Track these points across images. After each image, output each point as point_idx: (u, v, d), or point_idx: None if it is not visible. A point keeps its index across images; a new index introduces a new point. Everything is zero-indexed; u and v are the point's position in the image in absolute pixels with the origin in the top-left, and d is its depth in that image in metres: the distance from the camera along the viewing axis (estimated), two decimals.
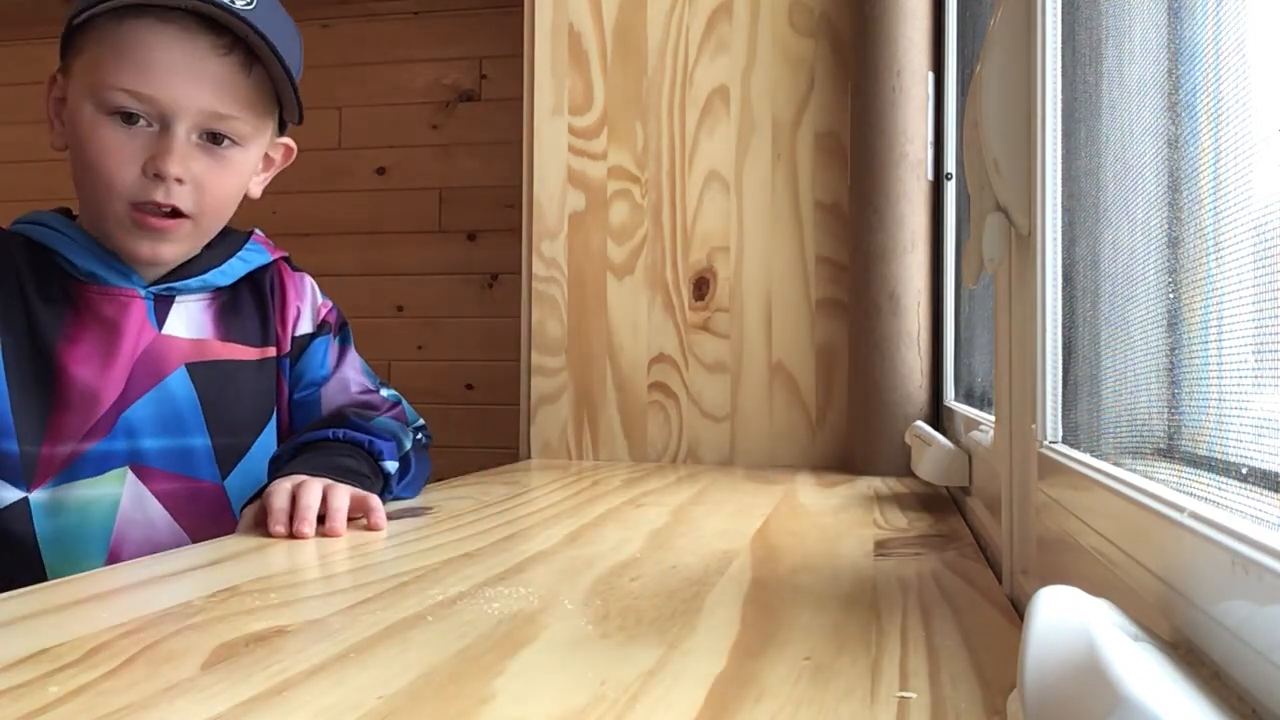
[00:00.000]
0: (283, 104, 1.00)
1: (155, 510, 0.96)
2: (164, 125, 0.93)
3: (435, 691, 0.45)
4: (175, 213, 0.94)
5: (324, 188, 2.60)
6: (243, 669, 0.48)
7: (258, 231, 1.11)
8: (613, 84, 1.62)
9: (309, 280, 1.12)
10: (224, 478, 1.00)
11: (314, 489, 0.85)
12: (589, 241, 1.62)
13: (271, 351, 1.06)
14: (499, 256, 2.50)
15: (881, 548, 0.85)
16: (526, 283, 1.65)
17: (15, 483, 0.92)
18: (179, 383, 0.98)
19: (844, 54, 1.55)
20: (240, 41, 0.93)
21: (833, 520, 1.01)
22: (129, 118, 0.92)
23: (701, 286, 1.59)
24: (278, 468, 0.95)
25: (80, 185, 0.96)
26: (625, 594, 0.65)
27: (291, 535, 0.82)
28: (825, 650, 0.53)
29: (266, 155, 1.05)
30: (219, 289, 1.04)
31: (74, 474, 0.94)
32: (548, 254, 1.64)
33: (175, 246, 0.97)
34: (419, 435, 1.12)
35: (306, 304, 1.10)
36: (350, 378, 1.10)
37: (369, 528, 0.87)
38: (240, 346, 1.04)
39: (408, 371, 2.45)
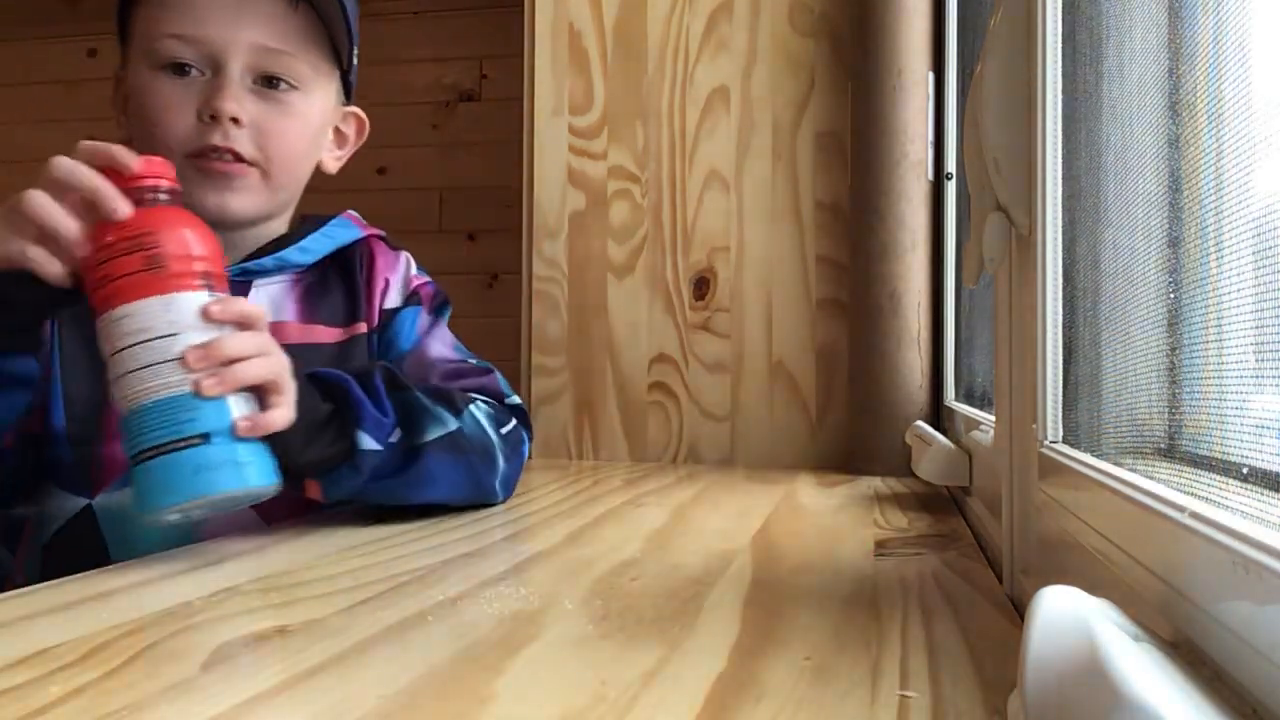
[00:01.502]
0: (337, 49, 0.96)
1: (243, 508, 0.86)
2: (215, 69, 0.90)
3: (435, 691, 0.45)
4: (237, 159, 0.91)
5: (324, 188, 2.60)
6: (243, 669, 0.48)
7: (350, 212, 1.08)
8: (613, 84, 1.62)
9: (405, 256, 1.08)
10: None
11: (248, 344, 0.73)
12: (589, 241, 1.62)
13: (361, 328, 1.01)
14: (499, 256, 2.50)
15: (882, 548, 0.85)
16: (526, 283, 1.65)
17: (77, 490, 0.87)
18: None
19: (844, 54, 1.55)
20: None
21: (833, 520, 1.01)
22: (181, 70, 0.90)
23: (701, 286, 1.59)
24: None
25: (143, 150, 0.92)
26: (625, 594, 0.65)
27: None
28: (825, 650, 0.53)
29: (338, 130, 1.03)
30: (302, 269, 1.00)
31: None
32: (548, 254, 1.64)
33: (244, 197, 0.92)
34: (508, 426, 0.99)
35: (397, 276, 1.05)
36: (434, 349, 1.04)
37: (258, 423, 0.72)
38: (324, 328, 0.99)
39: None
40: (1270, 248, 0.39)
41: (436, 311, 1.07)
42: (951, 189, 1.46)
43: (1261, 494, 0.37)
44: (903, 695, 0.46)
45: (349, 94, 1.03)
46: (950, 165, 1.46)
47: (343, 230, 1.04)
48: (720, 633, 0.56)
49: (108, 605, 0.60)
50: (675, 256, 1.60)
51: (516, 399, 1.05)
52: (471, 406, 0.95)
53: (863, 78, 1.47)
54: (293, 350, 0.86)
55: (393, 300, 1.04)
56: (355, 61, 1.01)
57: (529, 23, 1.66)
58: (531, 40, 1.65)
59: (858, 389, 1.48)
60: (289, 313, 0.97)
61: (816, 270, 1.56)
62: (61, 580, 0.67)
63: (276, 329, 0.90)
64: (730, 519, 0.99)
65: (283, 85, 0.93)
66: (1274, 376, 0.38)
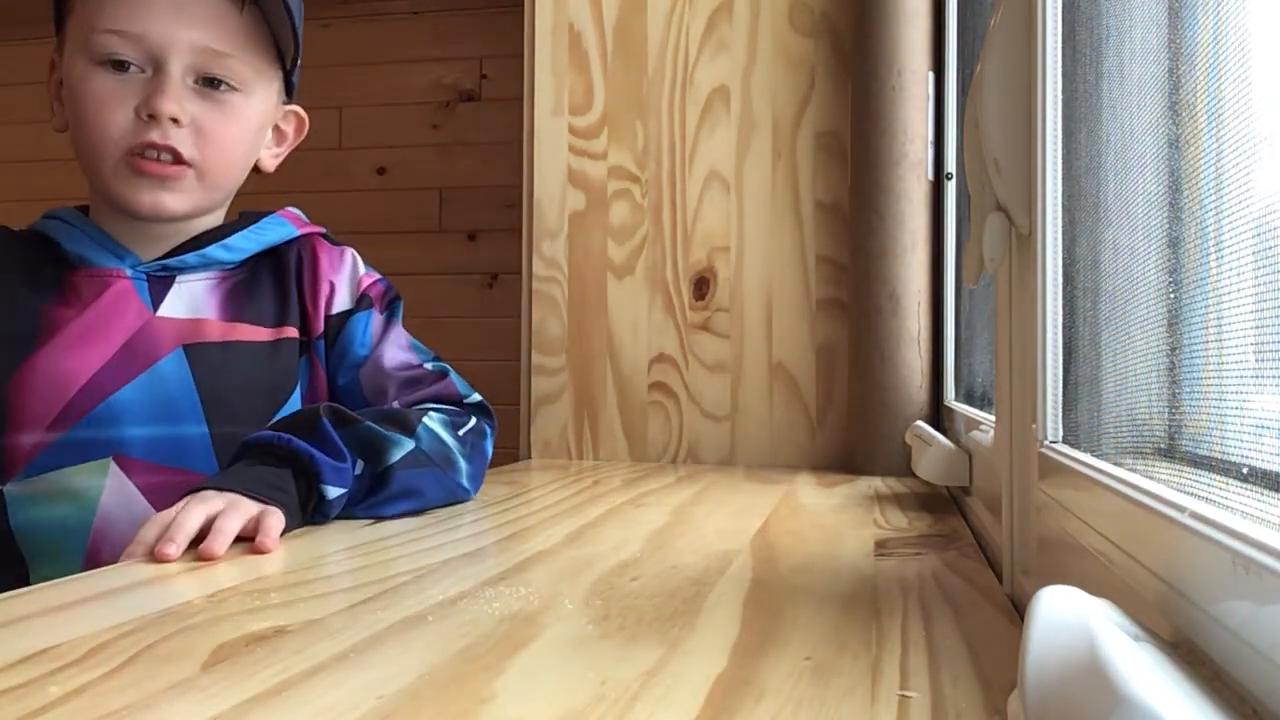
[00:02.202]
0: (281, 49, 0.96)
1: (140, 506, 0.88)
2: (156, 67, 0.90)
3: (435, 691, 0.45)
4: (176, 159, 0.90)
5: (324, 188, 2.60)
6: (243, 669, 0.48)
7: (290, 209, 1.05)
8: (613, 84, 1.62)
9: (350, 254, 1.04)
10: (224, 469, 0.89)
11: (194, 516, 0.74)
12: (589, 241, 1.62)
13: (291, 332, 0.98)
14: (499, 256, 2.50)
15: (882, 548, 0.85)
16: (526, 283, 1.65)
17: None
18: (173, 367, 0.92)
19: (844, 54, 1.55)
20: None
21: (833, 520, 1.01)
22: (120, 66, 0.89)
23: (702, 286, 1.59)
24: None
25: (78, 147, 0.92)
26: (625, 594, 0.65)
27: (155, 559, 0.71)
28: (826, 650, 0.53)
29: (278, 128, 1.02)
30: (230, 267, 0.98)
31: (46, 464, 0.88)
32: (548, 254, 1.64)
33: (179, 197, 0.92)
34: (466, 426, 0.99)
35: (343, 278, 1.02)
36: (389, 355, 1.01)
37: (254, 549, 0.75)
38: (251, 327, 0.96)
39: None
40: (1270, 248, 0.39)
41: (389, 309, 1.04)
42: (951, 189, 1.46)
43: (1261, 494, 0.37)
44: (903, 695, 0.46)
45: (290, 93, 1.02)
46: (950, 165, 1.46)
47: (275, 229, 1.01)
48: (720, 633, 0.56)
49: (108, 605, 0.60)
50: (675, 256, 1.60)
51: (475, 396, 1.04)
52: (425, 420, 0.95)
53: (863, 78, 1.47)
54: (223, 347, 0.91)
55: (341, 304, 1.01)
56: (299, 61, 1.00)
57: (529, 23, 1.66)
58: (531, 40, 1.65)
59: (858, 389, 1.48)
60: (211, 310, 0.96)
61: (816, 270, 1.56)
62: (61, 580, 0.67)
63: (196, 326, 0.94)
64: (730, 519, 0.99)
65: (224, 87, 0.92)
66: (1274, 376, 0.38)
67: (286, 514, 0.80)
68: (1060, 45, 0.64)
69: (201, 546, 0.72)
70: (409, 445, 0.91)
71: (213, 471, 0.90)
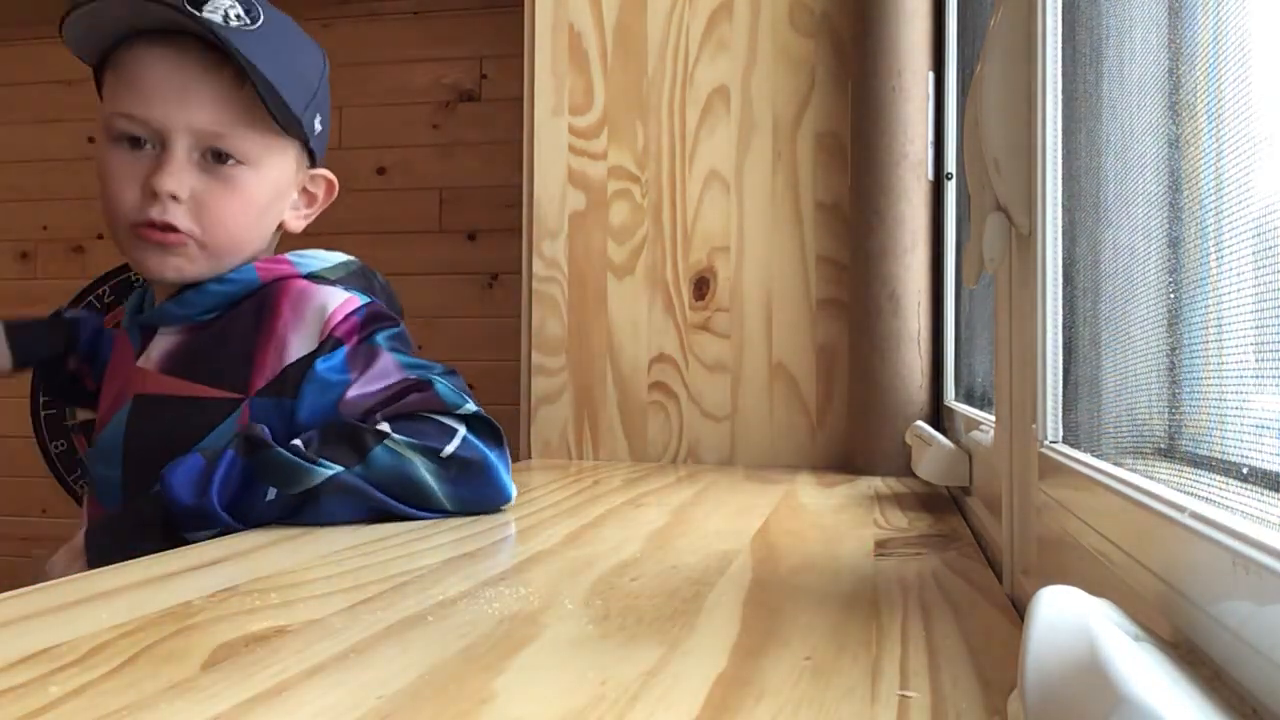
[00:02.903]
0: (281, 123, 0.97)
1: (87, 534, 0.92)
2: (164, 144, 0.96)
3: (435, 691, 0.45)
4: (174, 230, 0.96)
5: None
6: (243, 669, 0.48)
7: (290, 255, 1.04)
8: (613, 84, 1.62)
9: (318, 297, 0.98)
10: None
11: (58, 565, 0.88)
12: (589, 241, 1.62)
13: (220, 393, 0.97)
14: (499, 256, 2.50)
15: (882, 548, 0.85)
16: (526, 283, 1.65)
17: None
18: (123, 414, 1.01)
19: (844, 54, 1.55)
20: (231, 59, 0.93)
21: (833, 520, 1.01)
22: (135, 142, 0.96)
23: (701, 286, 1.59)
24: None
25: (103, 214, 1.00)
26: (625, 594, 0.65)
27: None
28: (826, 650, 0.53)
29: (306, 190, 1.06)
30: (197, 322, 1.00)
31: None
32: (548, 254, 1.64)
33: (182, 263, 0.98)
34: (449, 445, 0.91)
35: (301, 325, 0.97)
36: (364, 388, 0.94)
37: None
38: (178, 381, 0.98)
39: None
40: (1270, 248, 0.39)
41: (367, 337, 0.98)
42: (951, 189, 1.46)
43: (1261, 494, 0.37)
44: (903, 695, 0.46)
45: (313, 157, 1.06)
46: (950, 165, 1.46)
47: (236, 280, 1.00)
48: (720, 633, 0.56)
49: (108, 605, 0.60)
50: (675, 256, 1.60)
51: (470, 407, 0.94)
52: (386, 442, 0.89)
53: (863, 78, 1.47)
54: (156, 399, 1.00)
55: (297, 351, 0.96)
56: (320, 127, 1.04)
57: (529, 23, 1.66)
58: (531, 40, 1.65)
59: (858, 389, 1.48)
60: (157, 363, 1.01)
61: (816, 270, 1.56)
62: (61, 580, 0.67)
63: (145, 376, 1.01)
64: (730, 519, 0.99)
65: (231, 161, 0.97)
66: (1274, 376, 0.38)
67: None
68: (1060, 45, 0.64)
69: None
70: (333, 470, 0.87)
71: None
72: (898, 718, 0.43)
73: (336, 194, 1.10)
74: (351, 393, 0.94)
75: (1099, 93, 0.61)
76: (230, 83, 0.96)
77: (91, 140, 1.03)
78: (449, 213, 2.58)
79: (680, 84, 1.60)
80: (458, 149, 2.58)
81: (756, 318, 1.58)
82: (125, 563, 0.73)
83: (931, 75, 1.46)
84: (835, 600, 0.64)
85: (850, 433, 1.50)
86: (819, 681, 0.47)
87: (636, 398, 1.60)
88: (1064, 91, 0.63)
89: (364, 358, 0.96)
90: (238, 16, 0.95)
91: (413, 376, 0.96)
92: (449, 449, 0.91)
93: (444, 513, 0.92)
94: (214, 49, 0.95)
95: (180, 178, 0.95)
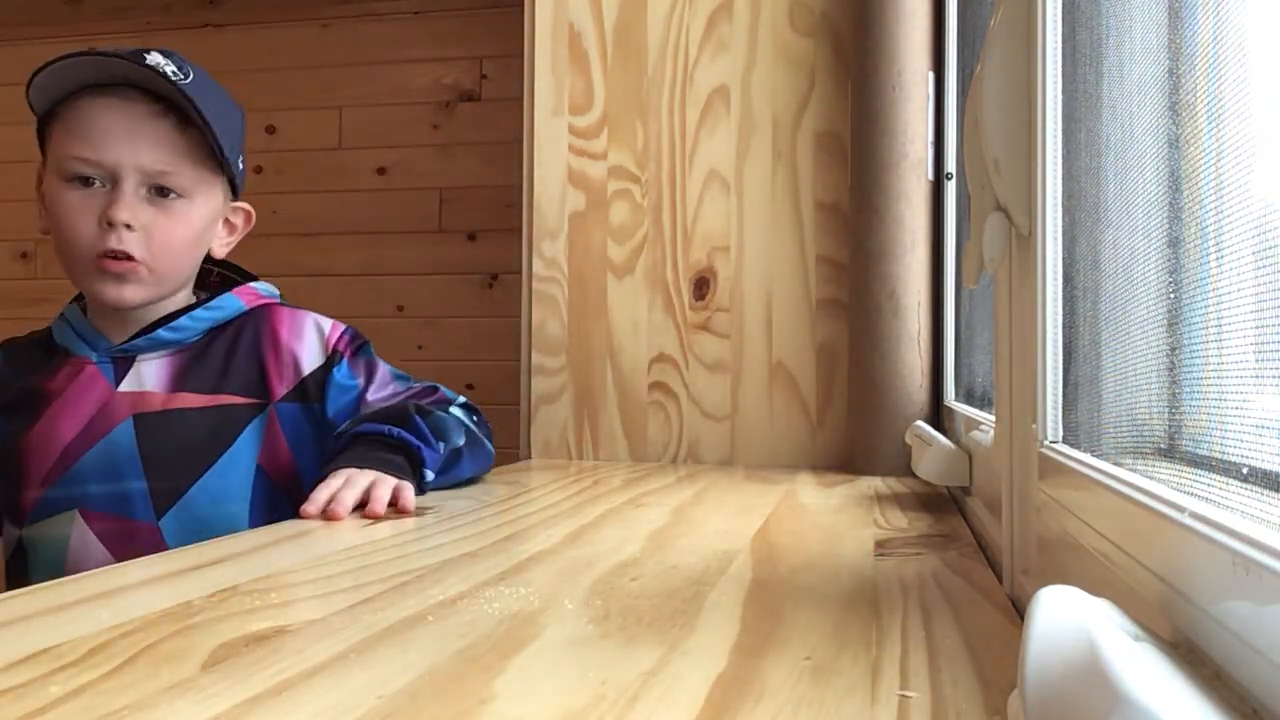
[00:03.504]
0: (220, 159, 1.11)
1: (96, 547, 1.07)
2: (114, 183, 1.07)
3: (435, 691, 0.45)
4: (130, 257, 1.06)
5: (324, 188, 2.60)
6: (243, 669, 0.48)
7: (252, 285, 1.19)
8: (613, 84, 1.62)
9: (310, 318, 1.19)
10: (159, 518, 1.08)
11: (358, 485, 0.97)
12: (589, 241, 1.62)
13: (229, 399, 1.12)
14: (499, 256, 2.50)
15: (882, 548, 0.85)
16: (526, 283, 1.65)
17: (15, 523, 1.11)
18: (123, 433, 1.09)
19: (844, 54, 1.55)
20: (174, 107, 1.07)
21: (833, 520, 1.01)
22: (86, 182, 1.07)
23: (702, 286, 1.59)
24: (337, 446, 1.06)
25: (58, 250, 1.10)
26: (625, 594, 0.65)
27: (325, 517, 0.93)
28: (826, 650, 0.53)
29: (228, 221, 1.18)
30: (185, 345, 1.13)
31: (39, 514, 1.10)
32: (548, 254, 1.64)
33: (135, 289, 1.08)
34: (474, 416, 1.19)
35: (305, 343, 1.16)
36: (378, 395, 1.16)
37: (399, 511, 0.96)
38: (190, 395, 1.11)
39: (408, 371, 2.45)
40: (1270, 248, 0.39)
41: (358, 351, 1.19)
42: (951, 189, 1.46)
43: (1261, 494, 0.37)
44: (903, 695, 0.46)
45: (235, 191, 1.18)
46: (950, 165, 1.46)
47: (223, 307, 1.16)
48: (720, 633, 0.56)
49: (108, 605, 0.61)
50: (675, 256, 1.60)
51: (462, 398, 1.21)
52: (451, 409, 1.15)
53: (863, 78, 1.47)
54: (165, 415, 1.10)
55: (311, 363, 1.16)
56: (242, 166, 1.18)
57: (529, 23, 1.66)
58: (531, 40, 1.65)
59: (858, 389, 1.48)
60: (158, 383, 1.11)
61: (816, 270, 1.56)
62: (61, 580, 0.67)
63: (144, 397, 1.11)
64: (730, 519, 0.99)
65: (171, 194, 1.09)
66: (1274, 376, 0.38)
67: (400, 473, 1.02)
68: (1060, 45, 0.64)
69: (368, 509, 0.95)
70: (464, 430, 1.14)
71: (150, 518, 1.08)
72: (898, 718, 0.43)
73: (253, 223, 1.21)
74: (372, 396, 1.15)
75: (1099, 93, 0.61)
76: (173, 127, 1.08)
77: None
78: (449, 213, 2.58)
79: (680, 84, 1.60)
80: (458, 149, 2.58)
81: (756, 318, 1.58)
82: (125, 563, 0.73)
83: (931, 75, 1.46)
84: (835, 600, 0.64)
85: (850, 433, 1.50)
86: (819, 681, 0.47)
87: (636, 398, 1.60)
88: (1064, 91, 0.63)
89: (364, 366, 1.18)
90: (174, 73, 1.07)
91: (416, 385, 1.20)
92: (475, 418, 1.19)
93: (490, 463, 1.23)
94: (156, 99, 1.07)
95: (133, 209, 1.06)
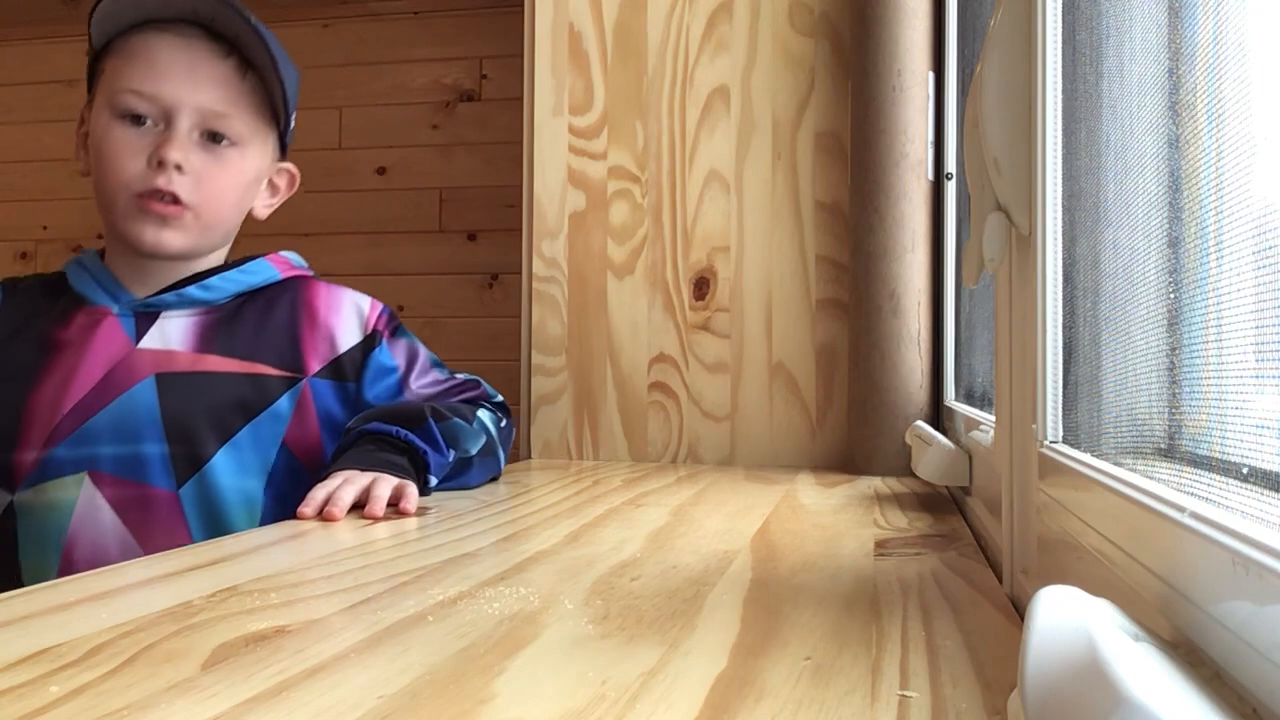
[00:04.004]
0: (276, 113, 1.09)
1: (107, 515, 1.00)
2: (168, 123, 1.03)
3: (435, 691, 0.45)
4: (176, 201, 1.03)
5: (324, 188, 2.60)
6: (243, 669, 0.48)
7: (283, 254, 1.16)
8: (613, 84, 1.62)
9: (347, 294, 1.15)
10: (179, 486, 1.01)
11: (357, 485, 0.94)
12: (589, 241, 1.62)
13: (263, 368, 1.07)
14: (499, 256, 2.50)
15: (882, 548, 0.85)
16: (526, 283, 1.65)
17: (3, 487, 1.01)
18: (144, 392, 1.03)
19: (844, 54, 1.55)
20: (236, 49, 1.05)
21: (833, 520, 1.01)
22: (138, 120, 1.03)
23: (701, 286, 1.59)
24: (343, 444, 1.04)
25: (98, 188, 1.06)
26: (625, 594, 0.65)
27: (322, 518, 0.90)
28: (825, 650, 0.53)
29: (271, 182, 1.15)
30: (213, 305, 1.09)
31: (39, 477, 1.00)
32: (548, 254, 1.64)
33: (178, 235, 1.04)
34: (503, 422, 1.18)
35: (343, 319, 1.13)
36: (421, 382, 1.14)
37: (399, 512, 0.94)
38: (220, 359, 1.06)
39: None
40: (1270, 248, 0.39)
41: (397, 333, 1.16)
42: (951, 189, 1.46)
43: (1261, 494, 0.37)
44: (903, 695, 0.46)
45: (284, 150, 1.15)
46: (950, 165, 1.46)
47: (258, 273, 1.12)
48: (720, 633, 0.56)
49: (108, 605, 0.60)
50: (675, 256, 1.60)
51: (500, 397, 1.22)
52: (480, 412, 1.13)
53: (863, 78, 1.47)
54: (190, 376, 1.05)
55: (349, 340, 1.12)
56: (292, 124, 1.14)
57: (529, 23, 1.66)
58: (531, 40, 1.65)
59: (858, 389, 1.48)
60: (185, 342, 1.06)
61: (816, 270, 1.56)
62: (61, 580, 0.67)
63: (169, 356, 1.05)
64: (730, 519, 0.99)
65: (224, 141, 1.06)
66: (1274, 376, 0.38)
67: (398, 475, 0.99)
68: (1060, 45, 0.64)
69: (367, 510, 0.92)
70: (483, 438, 1.12)
71: (170, 485, 1.01)
72: (898, 718, 0.43)
73: (297, 186, 1.18)
74: (414, 383, 1.14)
75: (1099, 93, 0.61)
76: (234, 69, 1.06)
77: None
78: (449, 213, 2.58)
79: (680, 84, 1.60)
80: (458, 149, 2.58)
81: (756, 318, 1.58)
82: (125, 563, 0.73)
83: (931, 75, 1.46)
84: (835, 600, 0.64)
85: (850, 433, 1.50)
86: (819, 681, 0.47)
87: (636, 398, 1.60)
88: (1064, 91, 0.63)
89: (404, 349, 1.15)
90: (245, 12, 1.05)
91: (459, 377, 1.19)
92: (503, 424, 1.19)
93: (498, 473, 1.21)
94: (219, 39, 1.05)
95: (185, 151, 1.03)
